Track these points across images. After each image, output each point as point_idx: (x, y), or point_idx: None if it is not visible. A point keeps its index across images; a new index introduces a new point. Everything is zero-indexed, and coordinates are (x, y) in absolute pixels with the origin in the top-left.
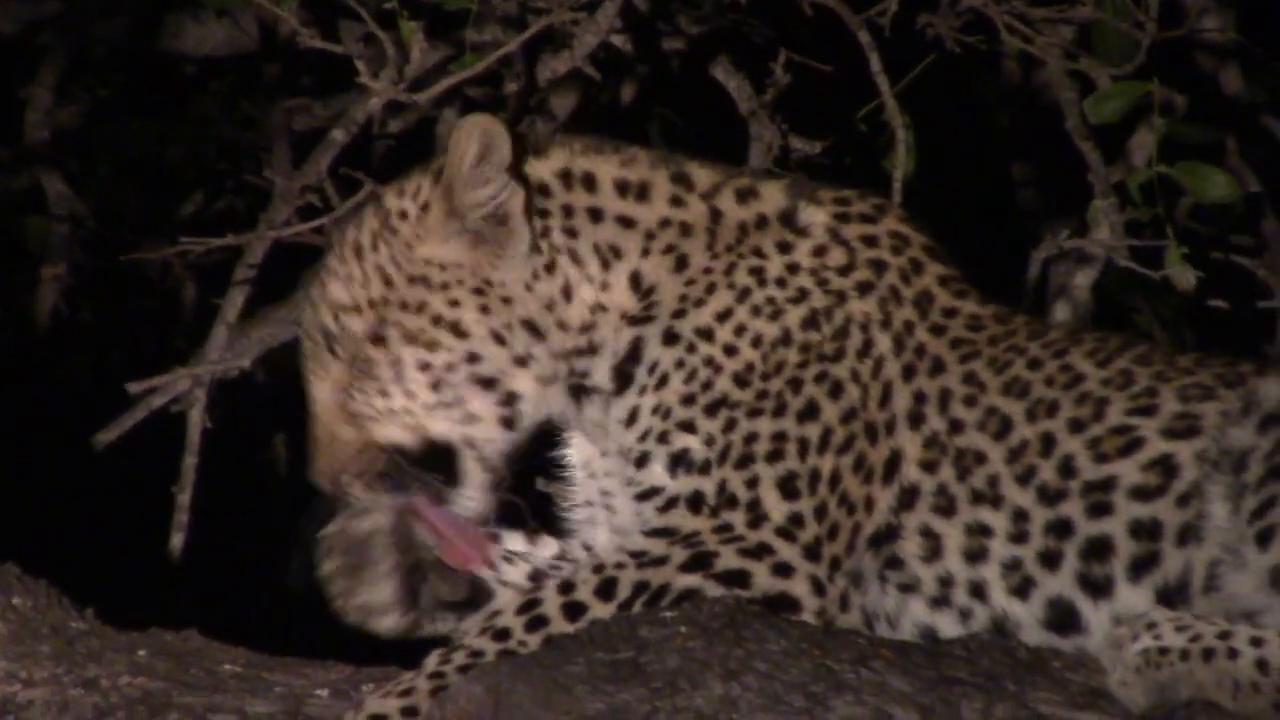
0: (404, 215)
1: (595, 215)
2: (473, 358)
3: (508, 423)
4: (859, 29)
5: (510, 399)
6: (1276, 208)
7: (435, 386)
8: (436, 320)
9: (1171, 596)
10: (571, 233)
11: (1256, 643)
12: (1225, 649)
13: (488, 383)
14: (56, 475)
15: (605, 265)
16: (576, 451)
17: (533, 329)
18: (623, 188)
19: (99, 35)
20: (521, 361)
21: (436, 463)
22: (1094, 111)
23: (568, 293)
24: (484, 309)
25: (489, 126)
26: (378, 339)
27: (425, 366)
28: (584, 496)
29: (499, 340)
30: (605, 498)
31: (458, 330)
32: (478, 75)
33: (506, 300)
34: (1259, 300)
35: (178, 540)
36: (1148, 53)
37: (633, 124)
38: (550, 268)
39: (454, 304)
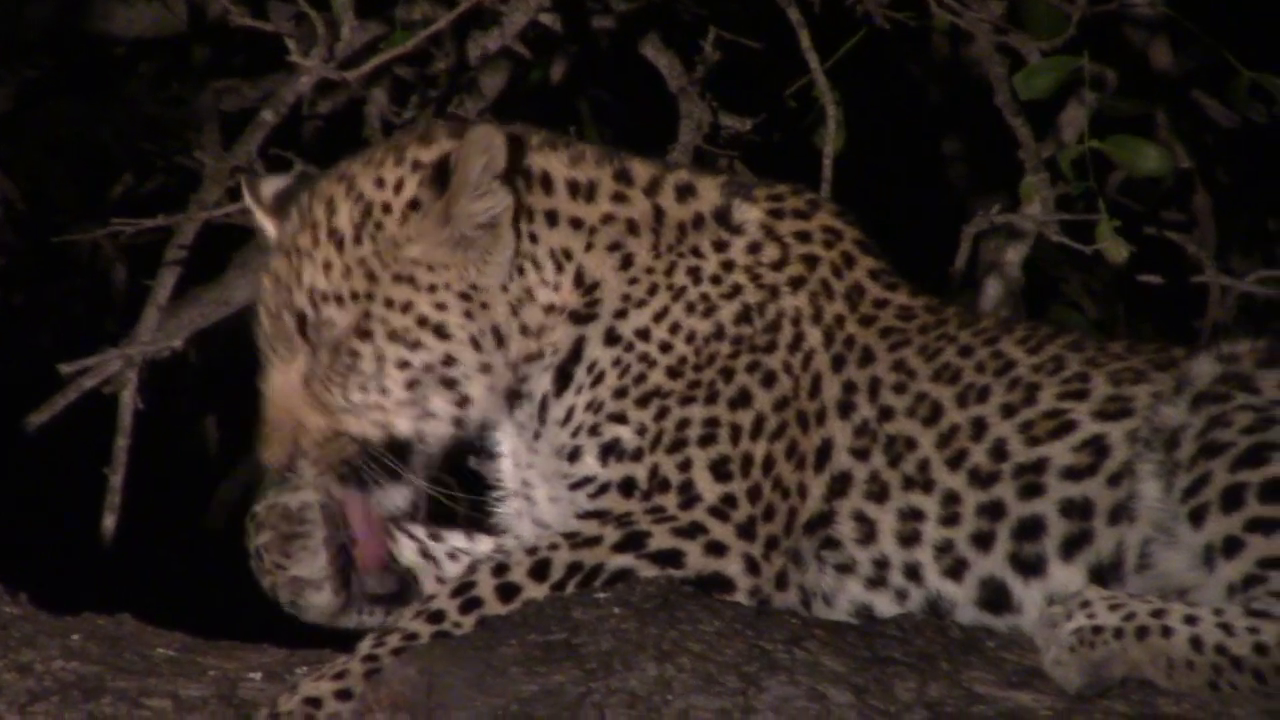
0: (388, 209)
1: (552, 219)
2: (448, 360)
3: (458, 423)
4: (788, 6)
5: (464, 402)
6: (1206, 182)
7: (410, 385)
8: (422, 321)
9: (1104, 575)
10: (533, 238)
11: (1190, 620)
12: (1159, 627)
13: (450, 384)
14: None
15: (559, 269)
16: (505, 440)
17: (498, 336)
18: (574, 188)
19: (28, 17)
20: (485, 368)
21: (387, 457)
22: (1024, 87)
23: (529, 297)
24: (468, 314)
25: (491, 137)
26: (363, 333)
27: (404, 365)
28: (511, 486)
29: (475, 345)
30: (526, 489)
31: (441, 332)
32: (408, 53)
33: (485, 306)
34: (1190, 275)
35: (110, 522)
36: (1077, 27)
37: (563, 103)
38: (519, 273)
39: (440, 307)
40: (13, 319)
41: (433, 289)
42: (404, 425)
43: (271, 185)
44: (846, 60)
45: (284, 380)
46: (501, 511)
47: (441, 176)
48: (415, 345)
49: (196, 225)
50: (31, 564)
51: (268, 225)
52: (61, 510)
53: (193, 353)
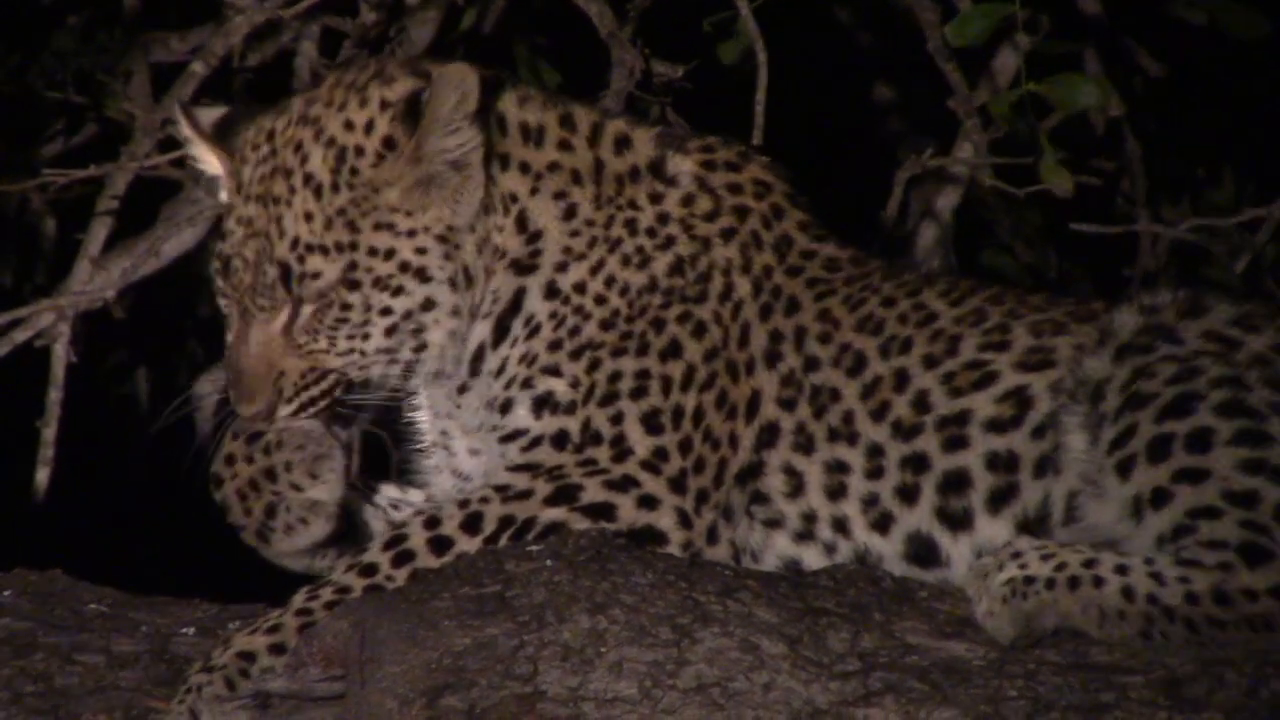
0: (360, 152)
1: (505, 162)
2: (427, 303)
3: (409, 370)
4: None
5: (420, 347)
6: (1137, 130)
7: (389, 331)
8: (404, 267)
9: (1032, 528)
10: (493, 180)
11: (1121, 570)
12: (1091, 577)
13: (420, 329)
14: None
15: (506, 213)
16: (424, 390)
17: (468, 277)
18: (525, 131)
19: None
20: (455, 311)
21: (350, 398)
22: (956, 34)
23: (487, 241)
24: (446, 256)
25: (465, 76)
26: (351, 284)
27: (388, 312)
28: (430, 438)
29: (452, 286)
30: (445, 439)
31: (423, 276)
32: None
33: (458, 247)
34: (1121, 223)
35: (43, 476)
36: None
37: (495, 51)
38: (484, 214)
39: (420, 251)
40: None
41: (412, 233)
42: (376, 370)
43: (209, 115)
44: (776, 4)
45: (264, 332)
46: (424, 464)
47: (413, 113)
48: (399, 291)
49: (128, 176)
50: None
51: (209, 156)
52: None
53: (122, 305)
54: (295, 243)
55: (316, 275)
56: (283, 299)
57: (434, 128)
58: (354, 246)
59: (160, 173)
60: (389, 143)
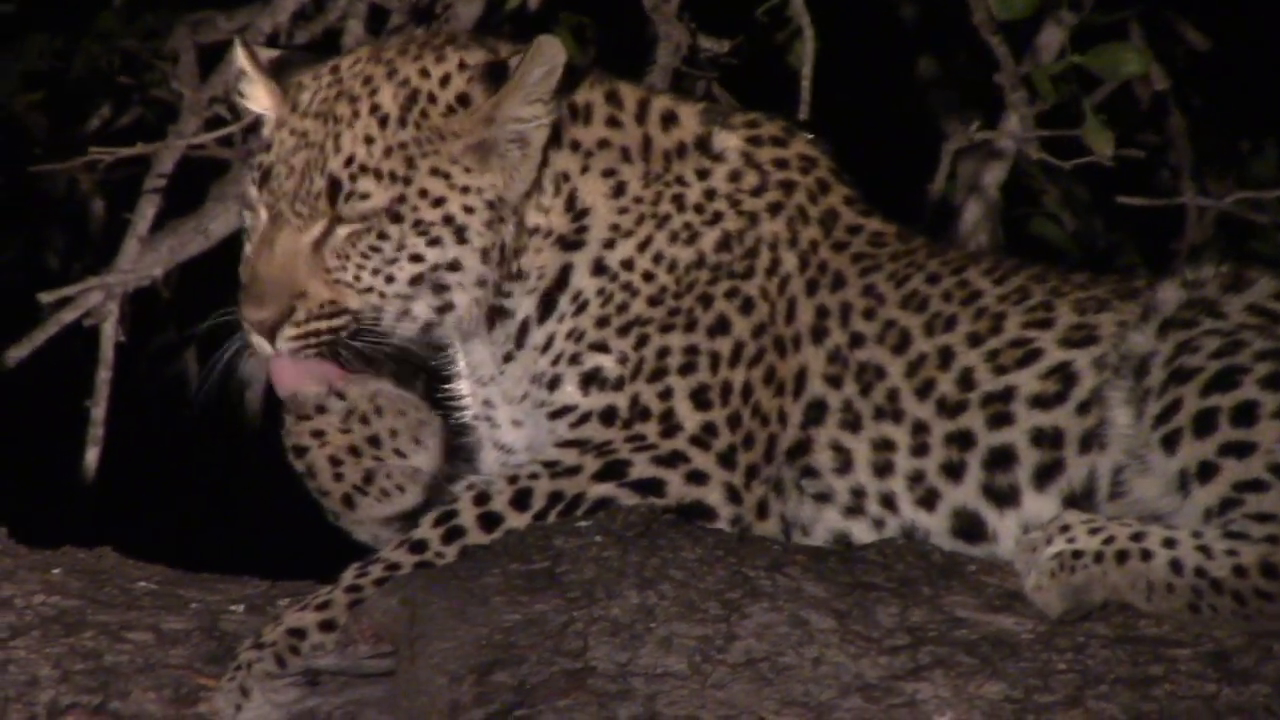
0: (433, 99)
1: (557, 141)
2: (454, 265)
3: (427, 329)
4: None
5: (444, 309)
6: (1181, 103)
7: (414, 280)
8: (448, 220)
9: (1078, 503)
10: (547, 161)
11: (1169, 544)
12: (1139, 551)
13: (441, 289)
14: None
15: (556, 192)
16: (465, 359)
17: (502, 252)
18: (573, 110)
19: None
20: (481, 283)
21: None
22: (1002, 7)
23: (530, 219)
24: (489, 224)
25: (557, 52)
26: (395, 216)
27: (418, 259)
28: (472, 408)
29: (484, 257)
30: (488, 409)
31: (461, 236)
32: None
33: (502, 220)
34: (1167, 196)
35: (92, 455)
36: None
37: (540, 28)
38: (531, 193)
39: (468, 210)
40: None
41: (465, 190)
42: (389, 319)
43: (268, 55)
44: None
45: (294, 241)
46: (465, 440)
47: (494, 77)
48: (435, 242)
49: (175, 155)
50: (11, 498)
51: (261, 92)
52: (42, 444)
53: (171, 284)
54: (350, 160)
55: (365, 196)
56: (323, 211)
57: (517, 92)
58: (407, 181)
59: (208, 152)
60: (463, 99)
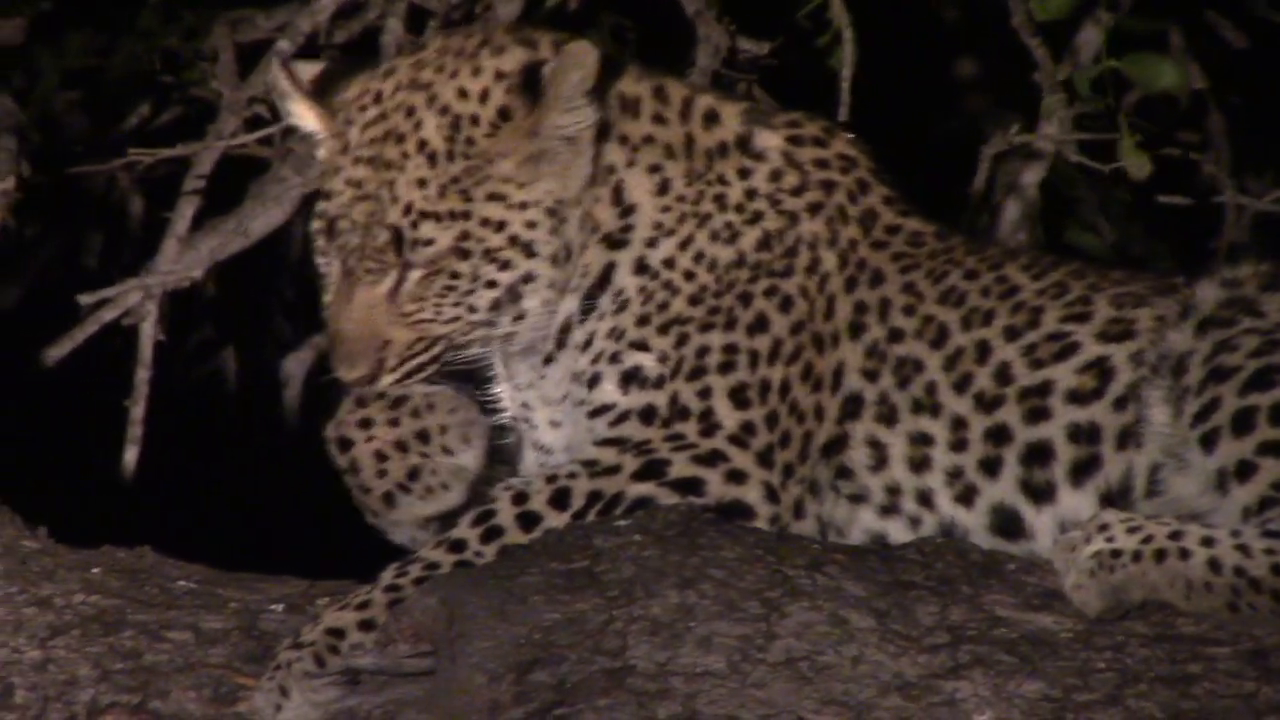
0: (476, 121)
1: (604, 133)
2: (528, 277)
3: (507, 339)
4: None
5: (520, 317)
6: (1221, 103)
7: (493, 305)
8: (513, 240)
9: (1114, 501)
10: (599, 154)
11: (1208, 542)
12: (1177, 550)
13: (517, 299)
14: (5, 393)
15: (604, 184)
16: (502, 363)
17: (568, 252)
18: (622, 103)
19: None
20: (552, 285)
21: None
22: (1040, 8)
23: (588, 214)
24: (553, 230)
25: (588, 54)
26: (463, 253)
27: (493, 285)
28: (509, 410)
29: (554, 261)
30: (526, 411)
31: (530, 250)
32: None
33: (564, 221)
34: (1206, 196)
35: (131, 455)
36: None
37: (579, 29)
38: (588, 187)
39: (530, 225)
40: (28, 251)
41: (524, 206)
42: (476, 341)
43: (308, 70)
44: None
45: (369, 295)
46: (507, 440)
47: (530, 86)
48: (506, 265)
49: (215, 155)
50: (51, 498)
51: (307, 113)
52: (81, 443)
53: (210, 282)
54: (409, 208)
55: (429, 242)
56: (392, 263)
57: (555, 104)
58: (467, 216)
59: (247, 151)
60: (504, 113)
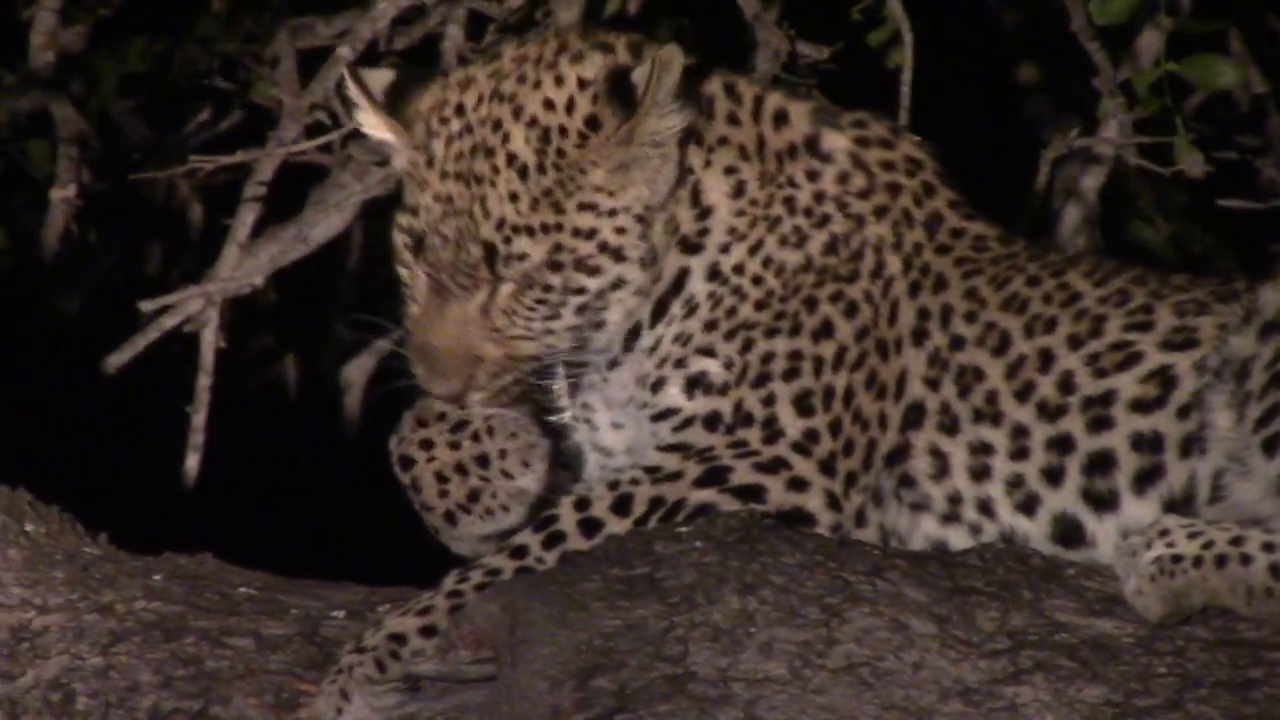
0: (565, 133)
1: (686, 135)
2: (619, 282)
3: (584, 345)
4: None
5: (600, 325)
6: None
7: (580, 310)
8: (603, 247)
9: (1177, 508)
10: (683, 158)
11: (1269, 548)
12: (1238, 555)
13: (602, 308)
14: (67, 400)
15: (682, 185)
16: (564, 366)
17: (653, 256)
18: (698, 104)
19: None
20: (639, 290)
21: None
22: (1100, 12)
23: (673, 218)
24: (642, 236)
25: (677, 58)
26: (555, 265)
27: (582, 291)
28: (570, 412)
29: (642, 266)
30: (587, 412)
31: (619, 256)
32: None
33: (651, 226)
34: (1266, 199)
35: (193, 462)
36: None
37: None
38: (672, 191)
39: (620, 231)
40: (89, 259)
41: (614, 213)
42: (565, 347)
43: (378, 80)
44: None
45: (461, 312)
46: (565, 441)
47: (619, 93)
48: (595, 271)
49: (275, 163)
50: (113, 504)
51: (381, 125)
52: (142, 450)
53: (270, 289)
54: (501, 223)
55: (523, 257)
56: (485, 278)
57: (650, 112)
58: (559, 228)
59: (307, 158)
60: (592, 122)
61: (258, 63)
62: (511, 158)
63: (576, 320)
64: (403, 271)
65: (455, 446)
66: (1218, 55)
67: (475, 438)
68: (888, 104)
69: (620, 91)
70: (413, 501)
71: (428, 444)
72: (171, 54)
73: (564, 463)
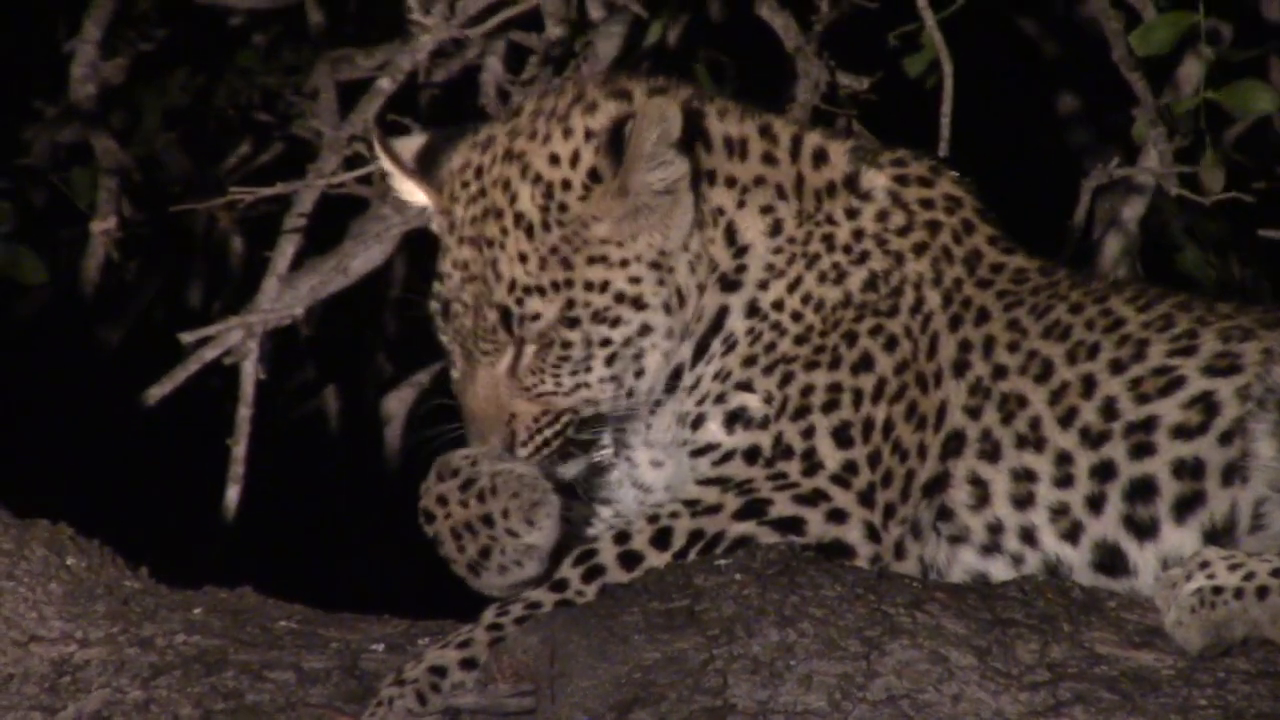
0: (568, 186)
1: (711, 177)
2: (644, 329)
3: (630, 394)
4: None
5: (641, 373)
6: None
7: (610, 360)
8: (620, 298)
9: (1218, 537)
10: (703, 197)
11: None
12: (1279, 586)
13: (640, 354)
14: (108, 432)
15: (715, 226)
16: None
17: (681, 297)
18: (728, 145)
19: None
20: (670, 333)
21: (588, 430)
22: (1141, 43)
23: (701, 257)
24: (660, 281)
25: (665, 108)
26: (571, 321)
27: (607, 343)
28: (610, 449)
29: (667, 310)
30: (625, 450)
31: (639, 304)
32: (525, 14)
33: (671, 270)
34: None
35: (233, 494)
36: None
37: (679, 65)
38: (697, 230)
39: (634, 280)
40: (130, 291)
41: (625, 263)
42: (606, 401)
43: (408, 146)
44: (961, 17)
45: (490, 375)
46: (602, 480)
47: (616, 145)
48: (616, 322)
49: (315, 194)
50: (153, 537)
51: (414, 188)
52: (183, 482)
53: (311, 320)
54: (513, 285)
55: (536, 317)
56: (505, 341)
57: (638, 164)
58: (569, 284)
59: (347, 190)
60: (595, 175)
61: (298, 95)
62: (519, 218)
63: (608, 371)
64: (442, 338)
65: (465, 505)
66: (1253, 80)
67: (480, 498)
68: (928, 134)
69: (615, 143)
70: (439, 553)
71: (443, 500)
72: (212, 87)
73: (604, 498)
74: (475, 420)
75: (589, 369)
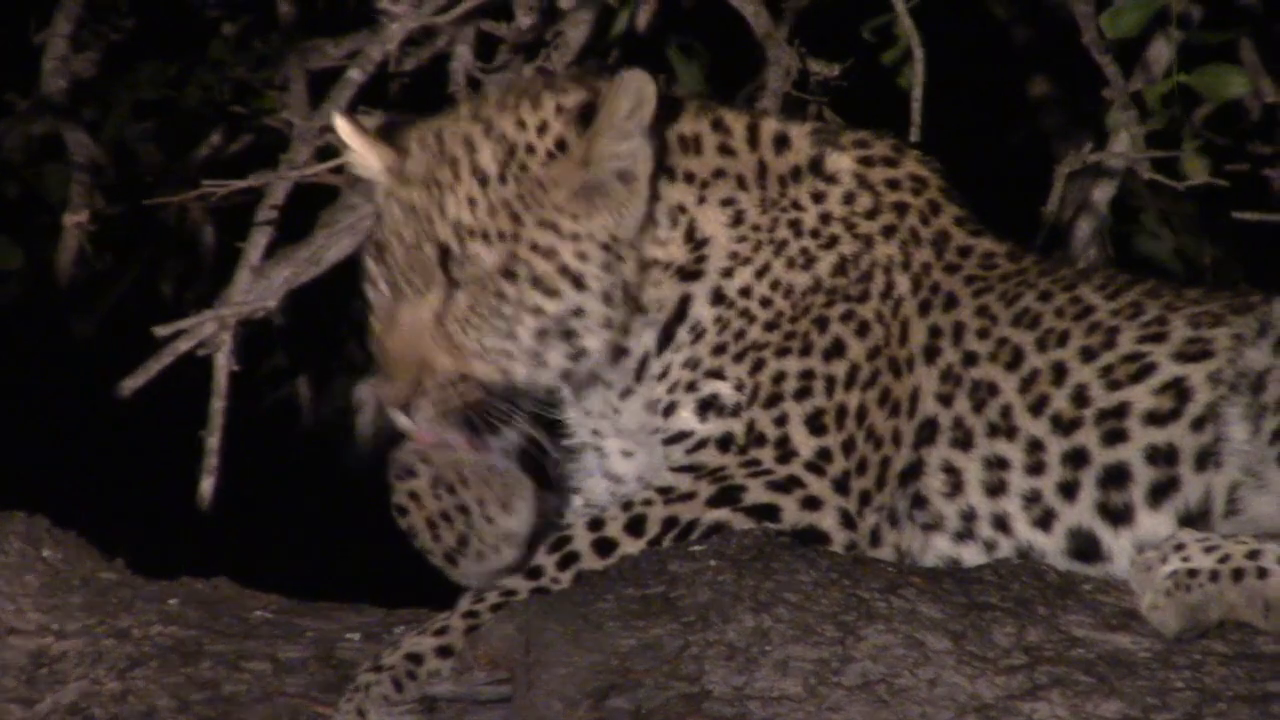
0: (531, 150)
1: (670, 174)
2: (578, 312)
3: (565, 376)
4: None
5: (579, 355)
6: None
7: (539, 334)
8: (563, 270)
9: (1193, 522)
10: (658, 195)
11: None
12: (1255, 569)
13: (570, 335)
14: (82, 424)
15: (673, 224)
16: (572, 394)
17: (625, 291)
18: (682, 142)
19: None
20: (608, 323)
21: (504, 404)
22: (1111, 26)
23: (648, 254)
24: (606, 267)
25: (644, 85)
26: (509, 274)
27: (539, 313)
28: (580, 438)
29: (606, 300)
30: (596, 439)
31: (579, 284)
32: (493, 2)
33: (620, 259)
34: (1278, 209)
35: (207, 485)
36: None
37: (649, 52)
38: (646, 227)
39: (582, 257)
40: (103, 283)
41: (575, 237)
42: (521, 373)
43: (371, 120)
44: (932, 2)
45: (414, 315)
46: (570, 468)
47: (587, 118)
48: (552, 294)
49: (287, 185)
50: (128, 529)
51: (371, 154)
52: (157, 474)
53: (280, 311)
54: (457, 225)
55: (476, 259)
56: (439, 281)
57: (606, 130)
58: (516, 238)
59: (318, 180)
60: (561, 144)
61: (268, 86)
62: (475, 167)
63: (534, 344)
64: (368, 289)
65: (439, 497)
66: (1227, 65)
67: (451, 489)
68: (900, 120)
69: (586, 113)
70: (415, 546)
71: (415, 495)
72: (183, 79)
73: (574, 487)
74: (389, 359)
75: (514, 336)
